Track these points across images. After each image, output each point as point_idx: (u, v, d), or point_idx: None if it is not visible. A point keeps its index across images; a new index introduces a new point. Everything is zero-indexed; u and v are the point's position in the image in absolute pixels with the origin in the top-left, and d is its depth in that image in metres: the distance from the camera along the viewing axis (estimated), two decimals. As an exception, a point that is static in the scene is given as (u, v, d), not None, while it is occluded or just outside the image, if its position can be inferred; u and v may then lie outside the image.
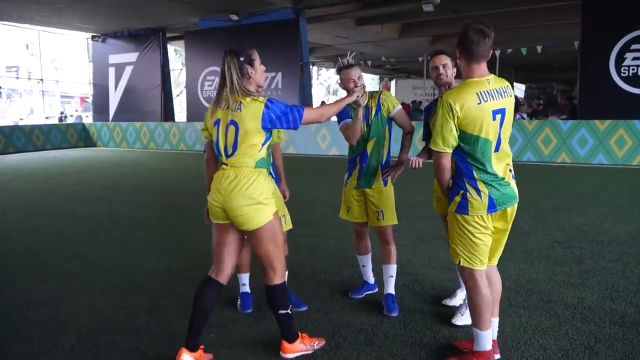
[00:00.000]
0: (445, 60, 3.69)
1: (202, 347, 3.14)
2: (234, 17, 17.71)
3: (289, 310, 3.11)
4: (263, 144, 2.98)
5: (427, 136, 3.83)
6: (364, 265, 4.19)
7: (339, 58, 3.84)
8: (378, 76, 38.62)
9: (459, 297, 3.90)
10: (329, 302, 4.06)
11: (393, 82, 34.53)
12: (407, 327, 3.57)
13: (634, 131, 12.30)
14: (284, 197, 3.98)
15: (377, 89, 4.14)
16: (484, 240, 2.86)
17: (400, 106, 3.86)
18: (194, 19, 18.76)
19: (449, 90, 2.87)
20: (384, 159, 3.87)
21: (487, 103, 2.74)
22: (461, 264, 2.90)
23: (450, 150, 2.83)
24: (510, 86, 2.89)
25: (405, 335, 3.44)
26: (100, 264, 5.16)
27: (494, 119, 2.76)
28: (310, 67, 22.12)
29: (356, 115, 3.69)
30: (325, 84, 53.03)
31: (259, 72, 3.04)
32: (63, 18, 18.55)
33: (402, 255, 5.16)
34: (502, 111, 2.79)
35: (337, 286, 4.41)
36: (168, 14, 18.05)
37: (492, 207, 2.80)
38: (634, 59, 12.65)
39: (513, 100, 2.88)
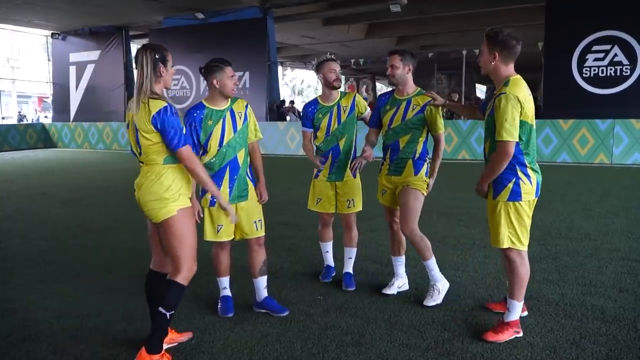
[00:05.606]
0: (394, 61, 3.96)
1: (173, 329, 3.35)
2: (200, 16, 17.49)
3: (168, 314, 2.99)
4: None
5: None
6: (327, 251, 4.56)
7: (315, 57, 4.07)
8: (343, 77, 38.76)
9: (395, 285, 4.21)
10: (312, 304, 3.98)
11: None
12: (393, 327, 3.52)
13: (596, 130, 12.64)
14: (261, 199, 3.76)
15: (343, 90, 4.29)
16: (529, 224, 3.19)
17: (369, 109, 4.33)
18: (158, 17, 18.41)
19: (511, 88, 3.06)
20: (352, 154, 4.26)
21: (530, 96, 3.12)
22: (510, 247, 3.21)
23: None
24: None
25: (392, 335, 3.40)
26: (70, 270, 4.95)
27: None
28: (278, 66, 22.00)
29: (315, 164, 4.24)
30: (290, 84, 52.91)
31: (169, 73, 3.07)
32: (22, 15, 17.95)
33: (381, 255, 5.14)
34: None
35: (319, 287, 4.34)
36: (131, 12, 17.66)
37: (537, 191, 3.16)
38: (595, 59, 13.00)
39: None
